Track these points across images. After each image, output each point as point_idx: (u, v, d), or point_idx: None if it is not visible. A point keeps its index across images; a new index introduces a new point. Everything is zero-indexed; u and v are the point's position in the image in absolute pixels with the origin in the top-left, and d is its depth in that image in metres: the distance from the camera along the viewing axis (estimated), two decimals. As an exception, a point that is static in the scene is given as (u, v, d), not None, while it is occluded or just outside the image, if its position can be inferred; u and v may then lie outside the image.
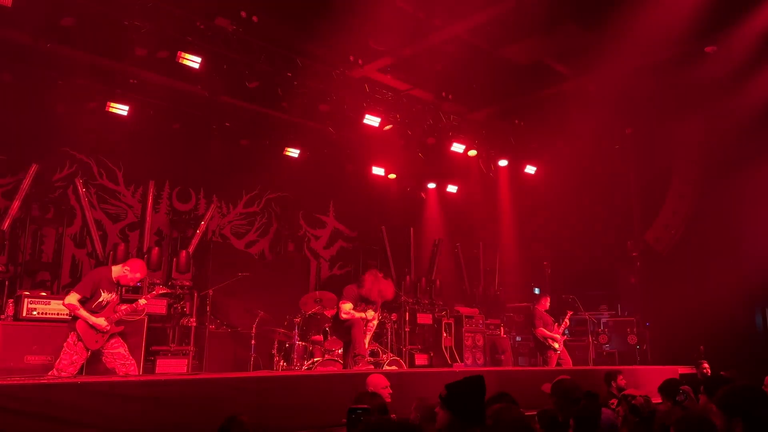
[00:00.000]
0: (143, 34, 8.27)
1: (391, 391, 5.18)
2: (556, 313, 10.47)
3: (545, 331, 9.87)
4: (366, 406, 2.83)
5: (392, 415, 4.75)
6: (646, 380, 8.08)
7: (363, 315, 7.53)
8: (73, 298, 6.09)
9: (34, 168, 9.23)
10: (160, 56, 8.49)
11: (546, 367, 9.67)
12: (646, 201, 12.55)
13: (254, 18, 8.54)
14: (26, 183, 9.14)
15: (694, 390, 5.09)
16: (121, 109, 9.36)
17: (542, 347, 9.99)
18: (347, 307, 7.51)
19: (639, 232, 12.56)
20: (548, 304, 10.19)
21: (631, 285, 12.52)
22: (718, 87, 9.85)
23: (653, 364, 10.74)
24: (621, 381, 7.17)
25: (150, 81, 9.44)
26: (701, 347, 10.22)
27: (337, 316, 7.76)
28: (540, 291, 10.47)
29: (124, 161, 10.82)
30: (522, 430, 2.65)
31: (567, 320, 10.25)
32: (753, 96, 9.63)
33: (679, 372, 8.84)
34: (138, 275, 6.56)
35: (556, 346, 9.81)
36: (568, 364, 9.80)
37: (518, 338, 12.38)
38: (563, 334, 10.12)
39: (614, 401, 4.54)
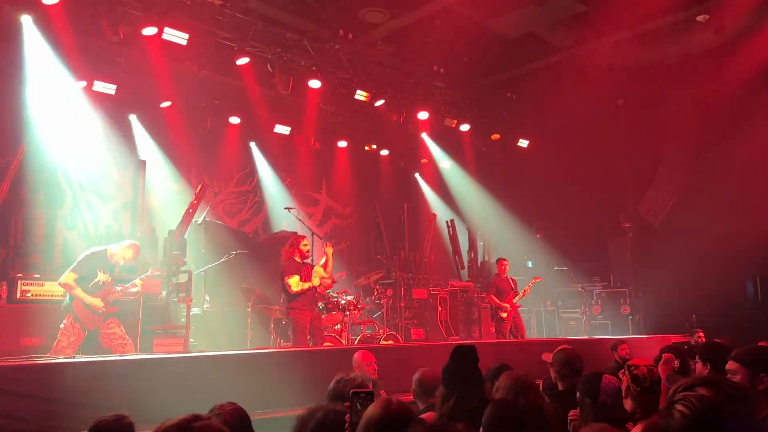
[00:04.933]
0: (129, 11, 8.13)
1: (376, 367, 5.19)
2: (543, 284, 10.77)
3: (494, 299, 10.00)
4: (369, 389, 2.77)
5: (382, 392, 4.77)
6: (640, 350, 8.18)
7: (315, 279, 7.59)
8: (69, 277, 6.06)
9: (21, 150, 9.10)
10: (147, 33, 8.36)
11: (527, 339, 9.77)
12: (638, 172, 12.55)
13: (242, -8, 8.41)
14: (15, 165, 9.01)
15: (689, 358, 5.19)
16: (108, 88, 9.26)
17: (495, 315, 10.10)
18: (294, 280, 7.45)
19: (631, 203, 12.60)
20: (503, 270, 10.24)
21: (623, 256, 12.59)
22: (709, 56, 9.81)
23: (646, 334, 10.86)
24: (623, 351, 7.25)
25: (137, 59, 9.29)
26: (693, 316, 10.34)
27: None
28: (500, 258, 10.60)
29: (113, 141, 10.68)
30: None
31: (529, 287, 10.32)
32: (745, 65, 9.59)
33: (672, 341, 8.93)
34: (133, 257, 6.57)
35: (504, 315, 9.89)
36: (523, 334, 9.97)
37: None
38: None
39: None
